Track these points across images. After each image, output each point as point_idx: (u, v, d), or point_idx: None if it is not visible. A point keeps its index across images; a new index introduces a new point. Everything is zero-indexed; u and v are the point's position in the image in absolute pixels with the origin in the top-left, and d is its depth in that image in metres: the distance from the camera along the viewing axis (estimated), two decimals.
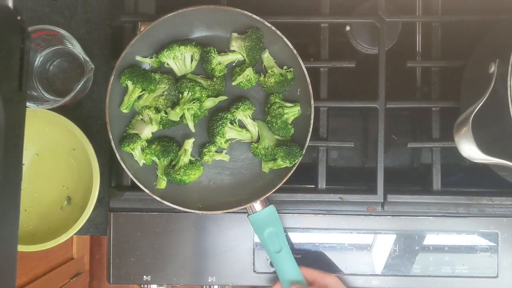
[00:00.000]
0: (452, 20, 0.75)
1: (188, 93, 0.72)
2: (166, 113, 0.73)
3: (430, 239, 0.74)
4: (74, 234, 0.72)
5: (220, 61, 0.73)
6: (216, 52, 0.73)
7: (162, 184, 0.72)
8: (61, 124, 0.72)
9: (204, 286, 0.78)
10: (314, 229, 0.75)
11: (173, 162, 0.73)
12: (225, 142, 0.73)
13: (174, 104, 0.73)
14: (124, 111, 0.72)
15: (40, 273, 1.19)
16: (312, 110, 0.70)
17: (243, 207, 0.71)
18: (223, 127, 0.72)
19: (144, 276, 0.75)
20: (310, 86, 0.70)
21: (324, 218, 0.75)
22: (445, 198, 0.73)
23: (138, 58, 0.72)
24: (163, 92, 0.72)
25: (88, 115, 0.79)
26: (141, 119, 0.73)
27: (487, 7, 0.76)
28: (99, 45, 0.79)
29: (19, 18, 0.41)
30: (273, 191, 0.70)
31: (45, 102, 0.71)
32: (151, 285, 0.76)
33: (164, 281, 0.75)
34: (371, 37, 0.79)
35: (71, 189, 0.78)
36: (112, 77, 0.69)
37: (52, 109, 0.72)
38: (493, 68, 0.58)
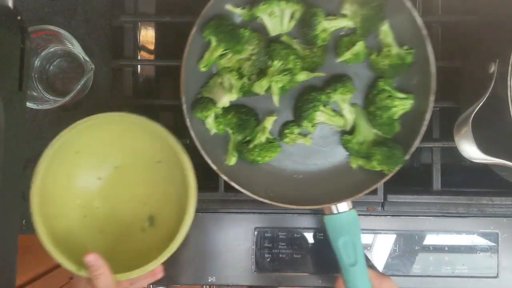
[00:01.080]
0: (452, 20, 0.75)
1: (279, 62, 0.60)
2: (249, 79, 0.63)
3: (430, 239, 0.74)
4: None
5: (326, 27, 0.60)
6: (323, 16, 0.60)
7: (232, 160, 0.64)
8: (146, 130, 0.63)
9: (204, 286, 0.78)
10: (314, 229, 0.75)
11: (248, 138, 0.64)
12: (312, 126, 0.63)
13: (261, 71, 0.62)
14: (203, 69, 0.63)
15: (40, 273, 1.19)
16: (431, 106, 0.59)
17: (322, 206, 0.61)
18: (315, 111, 0.61)
19: None
20: (433, 77, 0.59)
21: None
22: (445, 198, 0.73)
23: (228, 7, 0.62)
24: (250, 55, 0.62)
25: (88, 115, 0.79)
26: (220, 83, 0.63)
27: (487, 7, 0.76)
28: (99, 45, 0.79)
29: (19, 18, 0.41)
30: (361, 195, 0.60)
31: (45, 102, 0.71)
32: (151, 285, 0.76)
33: (164, 281, 0.75)
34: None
35: (154, 207, 0.69)
36: (195, 28, 0.60)
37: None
38: (493, 68, 0.58)
